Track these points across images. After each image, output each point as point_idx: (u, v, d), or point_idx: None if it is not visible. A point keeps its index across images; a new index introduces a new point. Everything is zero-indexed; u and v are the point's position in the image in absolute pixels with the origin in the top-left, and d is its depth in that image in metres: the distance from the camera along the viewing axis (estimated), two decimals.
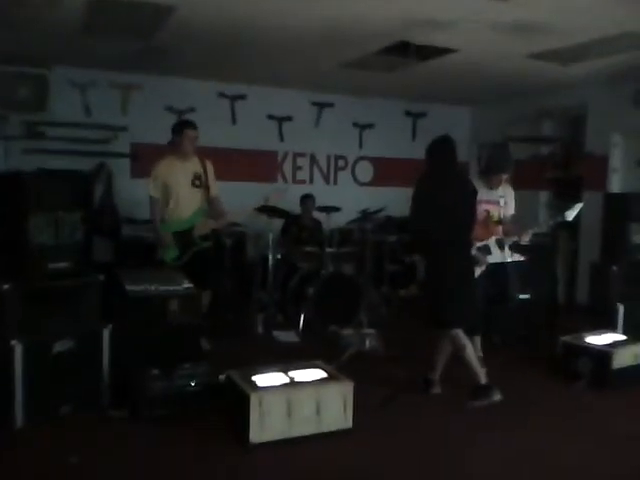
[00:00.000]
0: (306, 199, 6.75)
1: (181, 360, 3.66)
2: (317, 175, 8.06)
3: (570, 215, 4.38)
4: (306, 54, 5.70)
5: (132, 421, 3.54)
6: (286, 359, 3.91)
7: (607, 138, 6.74)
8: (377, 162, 8.32)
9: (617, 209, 5.51)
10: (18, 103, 6.27)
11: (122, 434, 3.42)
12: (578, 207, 4.39)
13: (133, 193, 6.41)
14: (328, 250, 5.96)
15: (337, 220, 6.44)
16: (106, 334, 3.74)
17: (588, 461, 3.31)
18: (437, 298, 4.08)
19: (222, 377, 3.71)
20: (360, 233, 7.03)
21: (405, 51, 5.34)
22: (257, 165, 7.57)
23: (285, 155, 7.84)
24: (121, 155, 6.86)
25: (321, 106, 7.90)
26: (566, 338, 4.65)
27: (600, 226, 5.70)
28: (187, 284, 3.94)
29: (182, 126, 4.95)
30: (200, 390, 3.66)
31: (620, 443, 3.53)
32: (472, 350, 4.07)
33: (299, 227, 6.60)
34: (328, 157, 8.10)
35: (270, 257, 5.81)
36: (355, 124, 8.16)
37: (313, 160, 8.01)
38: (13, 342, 3.39)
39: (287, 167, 7.87)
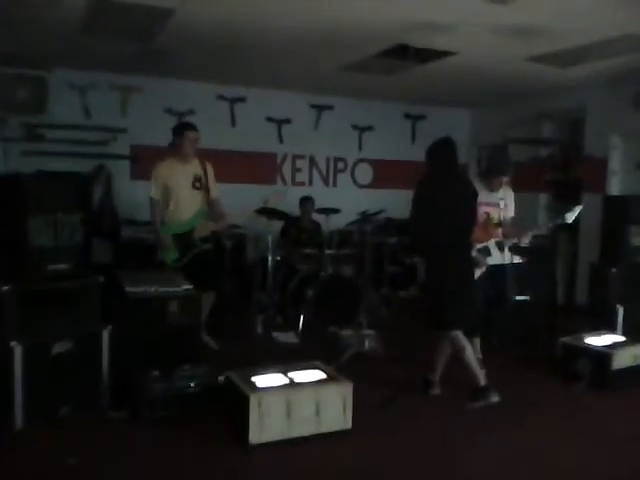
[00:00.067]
0: (305, 201, 6.75)
1: (181, 361, 3.66)
2: (316, 177, 8.07)
3: (570, 217, 4.38)
4: (306, 56, 5.71)
5: (131, 422, 3.55)
6: (285, 360, 3.91)
7: (606, 140, 6.75)
8: (376, 164, 8.33)
9: (616, 211, 5.50)
10: (17, 105, 6.27)
11: (121, 435, 3.41)
12: (577, 209, 4.39)
13: (132, 195, 6.43)
14: (327, 252, 5.96)
15: (336, 222, 6.45)
16: (105, 335, 3.74)
17: (587, 462, 3.31)
18: (437, 300, 4.08)
19: (221, 378, 3.71)
20: (359, 235, 7.04)
21: (404, 54, 5.35)
22: (256, 167, 7.58)
23: (284, 157, 7.85)
24: (120, 157, 6.87)
25: (320, 108, 7.92)
26: (565, 339, 4.66)
27: (599, 228, 5.71)
28: (186, 285, 3.94)
29: (183, 128, 4.95)
30: (200, 391, 3.66)
31: (619, 444, 3.54)
32: (471, 352, 4.07)
33: (298, 229, 6.60)
34: (327, 159, 8.11)
35: (269, 259, 5.81)
36: (354, 126, 8.17)
37: (312, 162, 8.02)
38: (12, 343, 3.39)
39: (286, 169, 7.88)
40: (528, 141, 7.56)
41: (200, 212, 4.92)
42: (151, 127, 6.72)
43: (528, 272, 4.93)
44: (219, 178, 5.10)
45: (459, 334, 4.00)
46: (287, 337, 5.53)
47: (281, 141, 7.76)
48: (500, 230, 4.48)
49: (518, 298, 4.97)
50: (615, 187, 6.76)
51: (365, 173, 8.32)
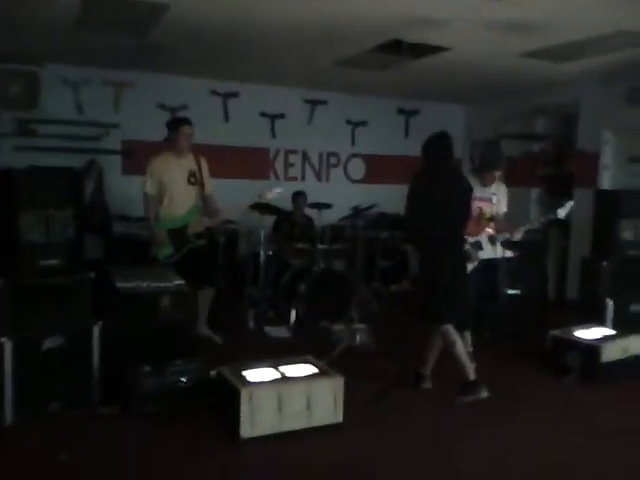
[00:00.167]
0: (298, 196, 6.74)
1: (173, 356, 3.66)
2: (309, 172, 8.06)
3: (561, 213, 4.41)
4: (303, 51, 5.68)
5: (123, 418, 3.55)
6: (277, 355, 3.92)
7: (599, 135, 6.76)
8: (369, 159, 8.33)
9: (608, 206, 5.52)
10: (9, 100, 6.25)
11: (112, 431, 3.42)
12: (569, 205, 4.42)
13: (124, 190, 6.42)
14: (320, 247, 5.97)
15: (329, 217, 6.45)
16: (96, 331, 3.74)
17: (577, 455, 3.33)
18: (431, 294, 4.09)
19: (213, 373, 3.72)
20: (352, 230, 7.04)
21: (398, 49, 5.34)
22: (249, 162, 7.56)
23: (277, 152, 7.83)
24: (112, 152, 6.84)
25: (314, 103, 7.91)
26: (555, 332, 4.69)
27: (591, 223, 5.73)
28: (178, 280, 3.94)
29: (178, 123, 4.95)
30: (191, 386, 3.67)
31: (609, 436, 3.56)
32: (462, 346, 4.09)
33: (291, 224, 6.60)
34: (320, 154, 8.11)
35: (262, 254, 5.81)
36: (348, 121, 8.16)
37: (305, 157, 8.02)
38: (3, 339, 3.39)
39: (279, 164, 7.87)
40: (521, 136, 7.57)
41: (195, 208, 4.91)
42: (144, 122, 6.70)
43: (519, 266, 4.95)
44: (212, 173, 5.09)
45: (450, 328, 4.02)
46: (279, 332, 5.54)
47: (274, 136, 7.75)
48: (492, 225, 4.50)
49: (510, 292, 4.99)
50: (607, 182, 6.78)
51: (358, 168, 8.32)
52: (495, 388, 4.03)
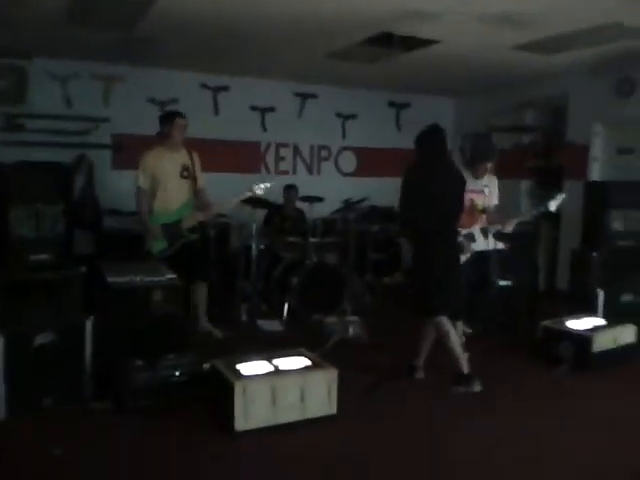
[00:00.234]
0: (289, 189, 6.73)
1: (165, 350, 3.65)
2: (300, 166, 8.05)
3: (553, 205, 4.43)
4: (293, 44, 5.65)
5: (115, 413, 3.53)
6: (270, 348, 3.92)
7: (588, 127, 6.79)
8: (360, 152, 8.33)
9: (597, 197, 5.57)
10: None
11: (105, 426, 3.40)
12: (561, 197, 4.44)
13: (114, 184, 6.38)
14: (311, 240, 5.96)
15: (320, 210, 6.44)
16: (88, 326, 3.71)
17: (570, 444, 3.35)
18: (425, 286, 4.10)
19: (206, 366, 3.71)
20: (343, 223, 7.05)
21: (389, 42, 5.32)
22: (240, 156, 7.53)
23: (268, 146, 7.81)
24: (102, 146, 6.80)
25: (304, 97, 7.88)
26: (547, 323, 4.71)
27: (581, 215, 5.77)
28: (170, 275, 3.93)
29: (172, 116, 4.94)
30: (184, 380, 3.66)
31: (602, 425, 3.59)
32: (456, 337, 4.10)
33: (282, 217, 6.60)
34: (311, 147, 8.09)
35: (253, 247, 5.81)
36: (338, 114, 8.15)
37: (296, 151, 8.00)
38: None
39: (270, 158, 7.85)
40: (510, 128, 7.59)
41: (188, 202, 4.90)
42: (133, 116, 6.66)
43: (510, 258, 4.97)
44: (203, 167, 5.07)
45: (443, 319, 4.03)
46: (272, 325, 5.54)
47: (265, 130, 7.72)
48: (484, 216, 4.52)
49: (501, 283, 5.01)
50: (596, 173, 6.82)
51: (349, 161, 8.31)
52: (487, 379, 4.05)
